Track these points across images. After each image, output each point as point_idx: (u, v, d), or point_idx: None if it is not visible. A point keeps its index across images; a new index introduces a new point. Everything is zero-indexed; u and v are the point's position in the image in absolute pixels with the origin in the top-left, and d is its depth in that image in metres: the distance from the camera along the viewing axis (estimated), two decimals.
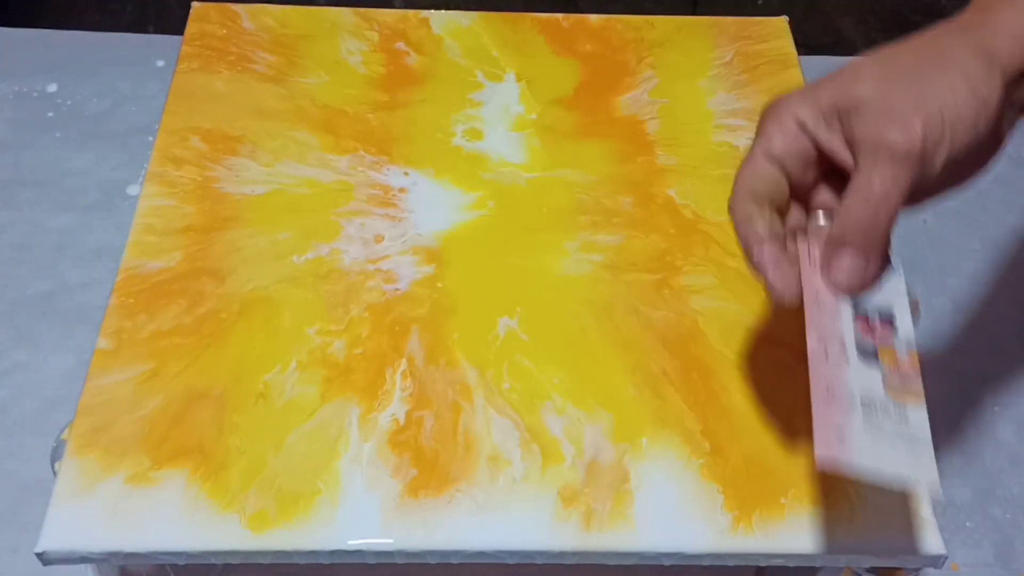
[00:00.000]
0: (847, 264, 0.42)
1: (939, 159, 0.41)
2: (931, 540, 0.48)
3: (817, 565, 0.48)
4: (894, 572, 0.49)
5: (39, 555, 0.46)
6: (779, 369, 0.53)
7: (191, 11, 0.70)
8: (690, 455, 0.50)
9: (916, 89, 0.41)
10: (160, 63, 0.88)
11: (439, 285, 0.56)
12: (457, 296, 0.56)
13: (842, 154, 0.43)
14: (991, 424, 0.69)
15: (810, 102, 0.44)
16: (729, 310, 0.56)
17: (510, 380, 0.52)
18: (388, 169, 0.62)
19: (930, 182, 0.42)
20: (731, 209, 0.44)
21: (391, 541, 0.47)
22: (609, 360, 0.53)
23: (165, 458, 0.49)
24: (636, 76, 0.68)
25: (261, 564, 0.47)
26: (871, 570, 0.49)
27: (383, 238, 0.58)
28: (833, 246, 0.42)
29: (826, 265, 0.43)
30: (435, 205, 0.60)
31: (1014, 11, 0.42)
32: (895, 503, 0.48)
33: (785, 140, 0.44)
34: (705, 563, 0.48)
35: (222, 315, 0.54)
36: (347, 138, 0.63)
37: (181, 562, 0.47)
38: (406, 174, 0.62)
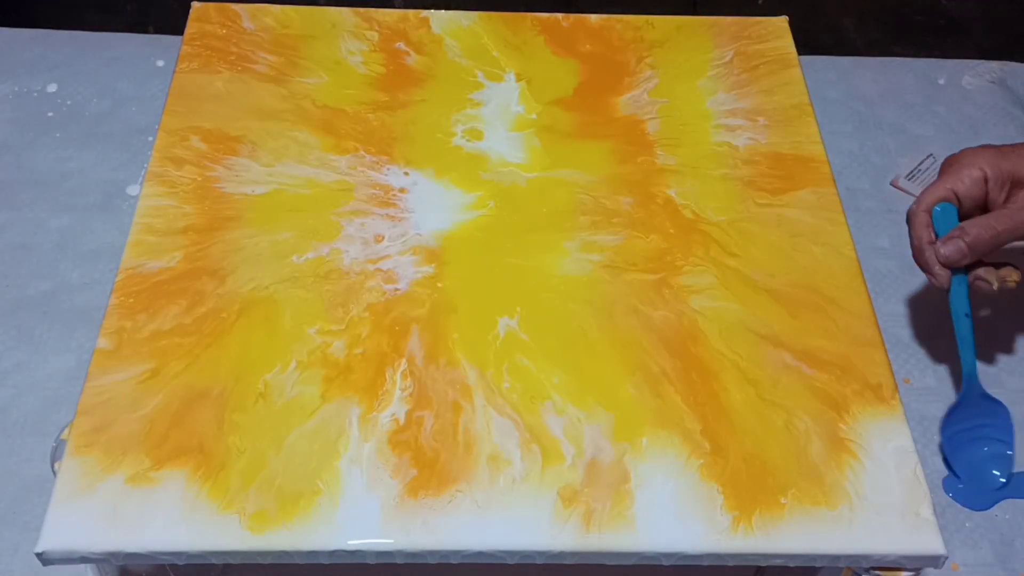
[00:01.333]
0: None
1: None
2: (931, 540, 0.48)
3: (817, 565, 0.48)
4: (894, 572, 0.49)
5: (39, 555, 0.46)
6: (779, 369, 0.53)
7: (191, 11, 0.70)
8: (690, 455, 0.50)
9: None
10: (160, 63, 0.88)
11: (439, 285, 0.56)
12: (457, 296, 0.56)
13: (998, 207, 0.62)
14: None
15: (995, 163, 0.62)
16: (729, 310, 0.56)
17: (510, 380, 0.52)
18: (388, 169, 0.62)
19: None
20: (910, 215, 0.64)
21: (391, 541, 0.47)
22: (609, 360, 0.53)
23: (165, 458, 0.49)
24: (636, 76, 0.68)
25: (261, 564, 0.47)
26: (871, 570, 0.49)
27: (383, 238, 0.58)
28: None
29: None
30: (435, 205, 0.60)
31: None
32: (895, 503, 0.48)
33: (968, 185, 0.62)
34: (705, 563, 0.48)
35: (222, 315, 0.54)
36: (347, 138, 0.63)
37: (181, 562, 0.47)
38: (406, 174, 0.62)
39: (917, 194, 0.81)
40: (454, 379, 0.52)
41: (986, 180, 0.62)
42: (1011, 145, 0.63)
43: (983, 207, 0.63)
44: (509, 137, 0.64)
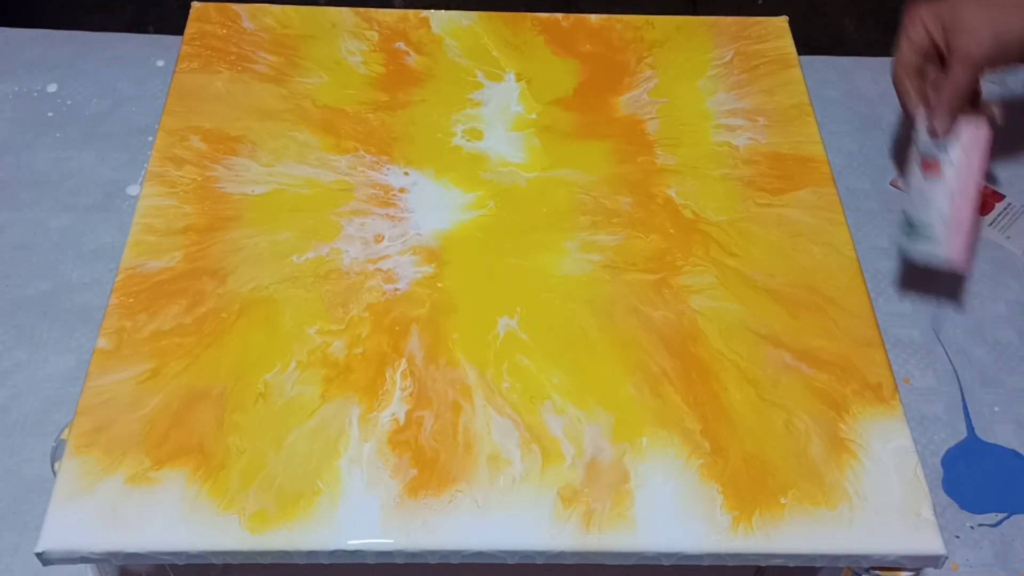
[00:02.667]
0: (940, 120, 0.67)
1: (989, 67, 0.67)
2: (931, 540, 0.48)
3: (817, 565, 0.48)
4: (894, 572, 0.49)
5: (39, 555, 0.46)
6: (779, 369, 0.53)
7: (191, 11, 0.70)
8: (690, 455, 0.50)
9: (995, 21, 0.66)
10: (160, 63, 0.88)
11: (439, 285, 0.56)
12: (457, 296, 0.56)
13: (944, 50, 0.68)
14: (991, 424, 0.69)
15: (928, 8, 0.68)
16: (729, 310, 0.56)
17: (510, 380, 0.52)
18: (388, 169, 0.62)
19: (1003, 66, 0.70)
20: (893, 79, 0.70)
21: (391, 541, 0.47)
22: (609, 360, 0.53)
23: (165, 458, 0.49)
24: (636, 76, 0.68)
25: (261, 564, 0.47)
26: (871, 570, 0.49)
27: (383, 238, 0.58)
28: (935, 110, 0.67)
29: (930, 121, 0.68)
30: (435, 205, 0.60)
31: None
32: (895, 503, 0.48)
33: (914, 30, 0.69)
34: (705, 563, 0.48)
35: (222, 315, 0.54)
36: (347, 138, 0.63)
37: (181, 562, 0.47)
38: (406, 174, 0.62)
39: None
40: (454, 379, 0.52)
41: (926, 27, 0.68)
42: None
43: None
44: (509, 137, 0.64)
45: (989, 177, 0.83)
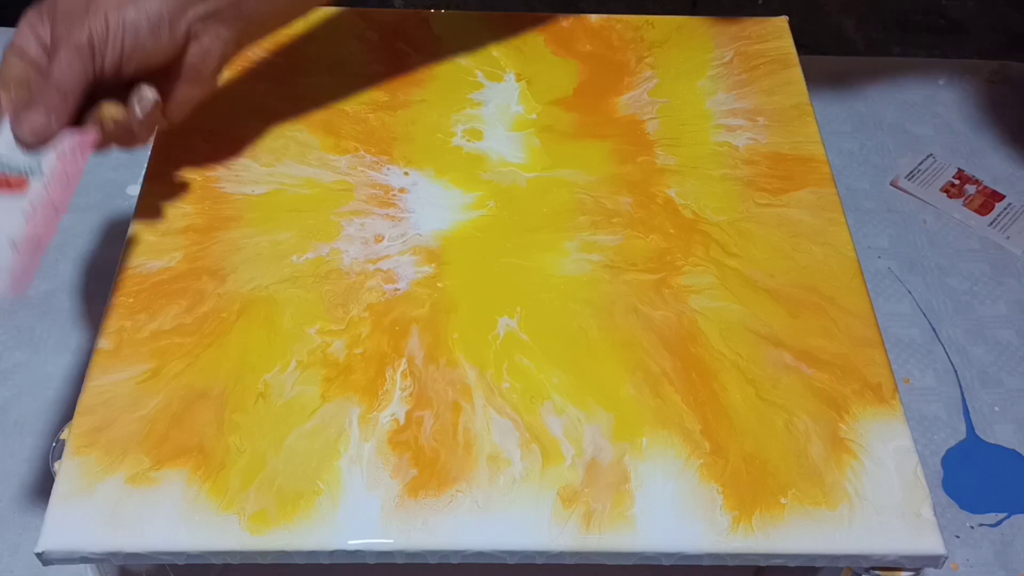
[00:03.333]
0: (33, 120, 0.51)
1: (110, 54, 0.51)
2: (931, 540, 0.48)
3: (817, 565, 0.48)
4: (894, 572, 0.49)
5: (39, 555, 0.46)
6: (779, 369, 0.53)
7: None
8: (690, 455, 0.50)
9: (94, 4, 0.51)
10: None
11: (439, 285, 0.56)
12: (457, 296, 0.56)
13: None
14: (991, 424, 0.69)
15: (33, 8, 0.53)
16: (729, 310, 0.56)
17: (510, 380, 0.52)
18: (388, 169, 0.62)
19: (119, 65, 0.52)
20: None
21: (391, 541, 0.47)
22: (609, 360, 0.53)
23: (165, 458, 0.49)
24: (636, 76, 0.68)
25: (261, 564, 0.47)
26: (871, 570, 0.49)
27: (383, 238, 0.58)
28: (23, 108, 0.51)
29: (14, 120, 0.51)
30: (435, 205, 0.60)
31: None
32: (895, 503, 0.48)
33: (18, 39, 0.53)
34: (705, 563, 0.48)
35: (222, 315, 0.54)
36: (347, 138, 0.63)
37: (181, 562, 0.47)
38: (406, 174, 0.62)
39: (917, 194, 0.82)
40: (454, 379, 0.52)
41: (32, 27, 0.53)
42: None
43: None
44: (509, 137, 0.64)
45: (989, 177, 0.83)
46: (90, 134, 0.52)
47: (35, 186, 0.51)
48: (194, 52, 0.54)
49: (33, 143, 0.51)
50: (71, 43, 0.50)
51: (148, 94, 0.53)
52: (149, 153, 0.61)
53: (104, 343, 0.53)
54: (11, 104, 0.51)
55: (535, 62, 0.69)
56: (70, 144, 0.52)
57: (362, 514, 0.47)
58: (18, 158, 0.51)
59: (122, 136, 0.54)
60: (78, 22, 0.50)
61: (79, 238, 0.76)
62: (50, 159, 0.51)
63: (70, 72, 0.50)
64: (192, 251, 0.57)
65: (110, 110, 0.52)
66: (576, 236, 0.59)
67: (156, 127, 0.56)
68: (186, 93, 0.55)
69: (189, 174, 0.61)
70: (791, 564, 0.48)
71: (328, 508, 0.47)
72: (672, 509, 0.48)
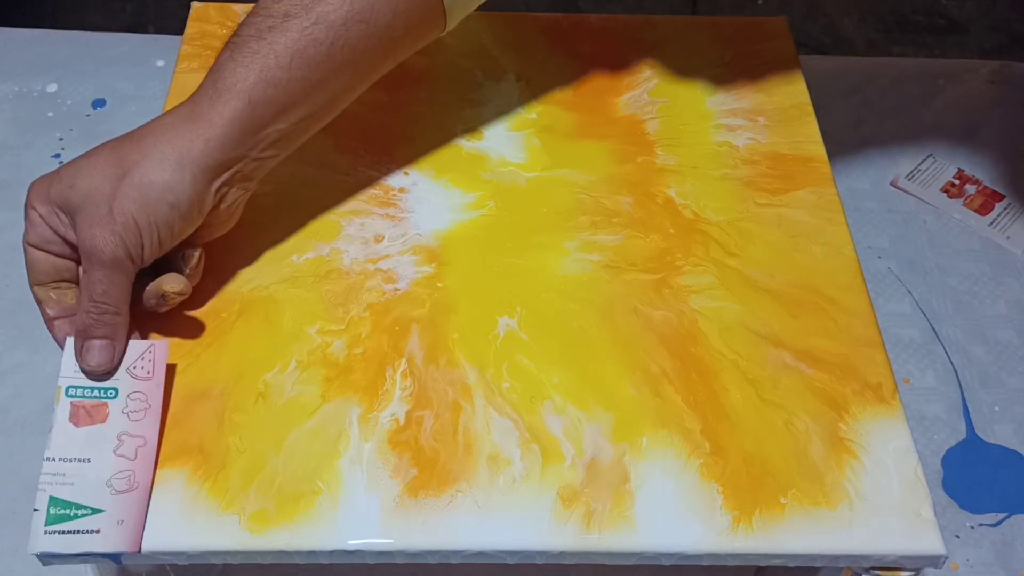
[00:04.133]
0: (95, 349, 0.49)
1: (147, 253, 0.49)
2: (931, 540, 0.48)
3: (817, 565, 0.48)
4: (894, 572, 0.49)
5: (39, 555, 0.46)
6: (779, 369, 0.53)
7: (191, 11, 0.70)
8: (690, 455, 0.50)
9: (117, 203, 0.48)
10: (160, 63, 0.88)
11: (439, 285, 0.56)
12: (457, 296, 0.56)
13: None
14: (991, 424, 0.69)
15: (43, 196, 0.49)
16: (729, 310, 0.56)
17: (510, 380, 0.52)
18: (388, 169, 0.62)
19: (156, 256, 0.50)
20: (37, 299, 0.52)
21: (391, 541, 0.47)
22: (609, 360, 0.53)
23: (165, 458, 0.49)
24: (636, 76, 0.68)
25: (261, 564, 0.47)
26: (871, 570, 0.49)
27: (383, 238, 0.58)
28: (80, 338, 0.49)
29: (79, 354, 0.49)
30: (435, 205, 0.60)
31: (209, 119, 0.50)
32: (895, 503, 0.48)
33: (35, 230, 0.50)
34: (705, 563, 0.48)
35: (222, 315, 0.54)
36: (347, 138, 0.63)
37: (181, 562, 0.47)
38: (406, 174, 0.62)
39: (917, 194, 0.82)
40: (454, 379, 0.52)
41: (44, 218, 0.50)
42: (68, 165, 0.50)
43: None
44: (509, 137, 0.64)
45: (989, 177, 0.83)
46: (161, 344, 0.50)
47: (115, 414, 0.48)
48: (222, 212, 0.52)
49: (102, 375, 0.49)
50: (106, 261, 0.48)
51: (194, 253, 0.52)
52: None
53: None
54: (56, 309, 0.51)
55: (535, 62, 0.69)
56: (143, 361, 0.49)
57: (362, 514, 0.47)
58: (91, 383, 0.48)
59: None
60: (104, 231, 0.47)
61: None
62: (124, 380, 0.48)
63: (115, 290, 0.48)
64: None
65: (172, 286, 0.50)
66: (576, 236, 0.59)
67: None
68: (214, 236, 0.54)
69: None
70: (791, 564, 0.48)
71: (328, 508, 0.47)
72: (672, 509, 0.48)
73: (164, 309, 0.51)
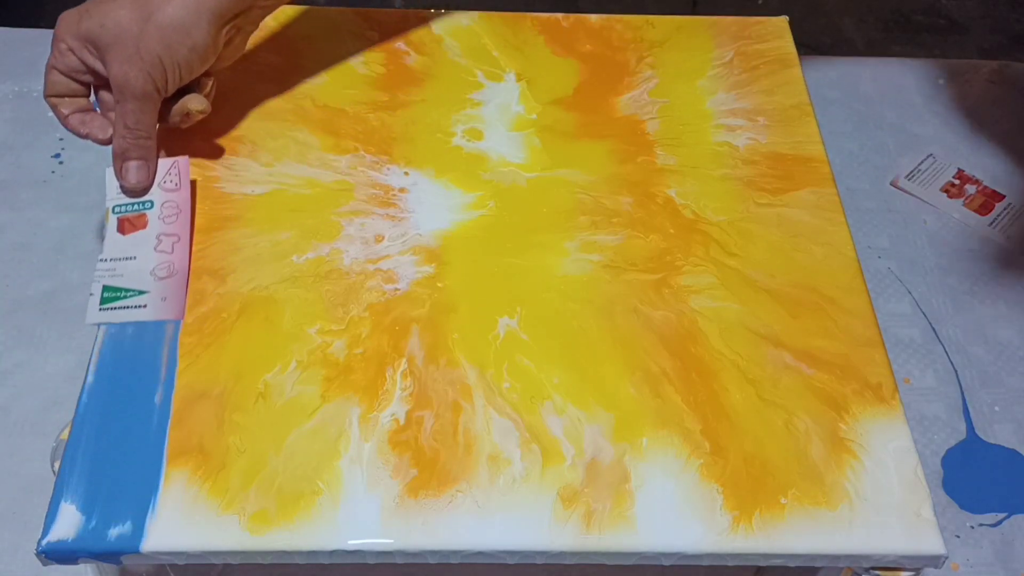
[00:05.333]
0: (134, 175, 0.57)
1: (171, 86, 0.57)
2: (931, 540, 0.48)
3: (817, 565, 0.48)
4: (894, 572, 0.49)
5: (39, 555, 0.46)
6: (779, 369, 0.53)
7: None
8: (690, 455, 0.50)
9: (144, 44, 0.54)
10: None
11: (439, 285, 0.56)
12: (457, 296, 0.56)
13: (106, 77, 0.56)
14: (991, 424, 0.69)
15: (73, 30, 0.56)
16: (729, 310, 0.56)
17: (510, 380, 0.52)
18: (388, 169, 0.62)
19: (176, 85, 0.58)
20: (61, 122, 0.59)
21: (391, 541, 0.47)
22: (609, 360, 0.53)
23: (165, 458, 0.49)
24: (636, 76, 0.68)
25: (261, 564, 0.47)
26: (871, 570, 0.49)
27: (383, 238, 0.58)
28: (119, 161, 0.57)
29: (120, 175, 0.58)
30: (435, 205, 0.60)
31: None
32: (895, 503, 0.49)
33: (63, 59, 0.57)
34: (705, 563, 0.48)
35: (222, 315, 0.54)
36: (347, 138, 0.63)
37: (181, 562, 0.47)
38: (406, 174, 0.62)
39: (917, 194, 0.82)
40: (454, 379, 0.52)
41: (73, 50, 0.56)
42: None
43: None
44: (509, 137, 0.64)
45: (989, 177, 0.83)
46: (183, 160, 0.58)
47: (152, 220, 0.57)
48: (228, 52, 0.60)
49: (141, 191, 0.58)
50: (137, 94, 0.55)
51: (208, 81, 0.60)
52: None
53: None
54: (70, 109, 0.58)
55: (535, 62, 0.69)
56: (170, 175, 0.58)
57: (362, 514, 0.47)
58: (131, 199, 0.58)
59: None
60: (134, 68, 0.55)
61: (79, 238, 0.76)
62: (157, 194, 0.58)
63: (146, 118, 0.56)
64: (192, 251, 0.57)
65: (195, 105, 0.58)
66: (576, 236, 0.59)
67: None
68: (221, 66, 0.61)
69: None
70: (791, 564, 0.48)
71: (328, 508, 0.47)
72: (672, 509, 0.48)
73: (186, 126, 0.59)
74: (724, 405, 0.52)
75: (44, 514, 0.47)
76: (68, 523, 0.47)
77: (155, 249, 0.56)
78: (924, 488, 0.49)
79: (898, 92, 0.89)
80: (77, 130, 0.59)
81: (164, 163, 0.58)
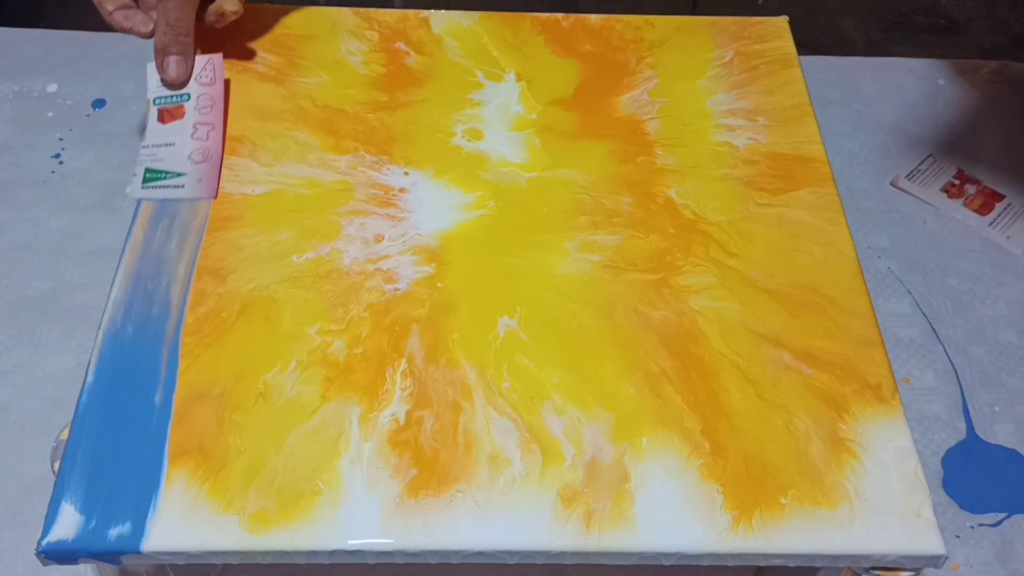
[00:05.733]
0: (174, 68, 0.63)
1: None
2: (931, 540, 0.48)
3: (817, 565, 0.48)
4: (894, 572, 0.49)
5: (39, 555, 0.46)
6: (779, 369, 0.53)
7: None
8: (690, 455, 0.50)
9: None
10: None
11: (439, 285, 0.56)
12: (457, 296, 0.56)
13: None
14: (991, 424, 0.69)
15: None
16: (729, 310, 0.56)
17: (510, 380, 0.52)
18: (388, 169, 0.62)
19: None
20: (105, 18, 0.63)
21: (391, 541, 0.47)
22: (609, 360, 0.53)
23: (165, 458, 0.49)
24: (636, 76, 0.68)
25: (261, 564, 0.47)
26: (871, 570, 0.49)
27: (383, 238, 0.58)
28: (160, 55, 0.63)
29: (161, 68, 0.63)
30: (435, 205, 0.60)
31: None
32: (895, 503, 0.49)
33: None
34: (705, 563, 0.48)
35: (222, 315, 0.54)
36: (347, 138, 0.63)
37: (181, 562, 0.47)
38: (406, 174, 0.62)
39: (917, 194, 0.82)
40: (454, 379, 0.52)
41: None
42: None
43: None
44: (509, 137, 0.64)
45: (989, 177, 0.83)
46: (217, 56, 0.64)
47: (189, 111, 0.62)
48: None
49: (179, 84, 0.63)
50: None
51: None
52: None
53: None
54: (115, 5, 0.63)
55: (535, 62, 0.69)
56: (206, 71, 0.63)
57: (362, 514, 0.47)
58: (170, 91, 0.63)
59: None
60: None
61: (79, 238, 0.76)
62: (194, 87, 0.63)
63: (186, 16, 0.62)
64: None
65: (230, 6, 0.64)
66: (576, 236, 0.59)
67: None
68: None
69: None
70: (791, 564, 0.48)
71: (328, 508, 0.47)
72: (672, 509, 0.48)
73: (220, 26, 0.64)
74: (724, 405, 0.52)
75: (44, 514, 0.47)
76: (68, 523, 0.47)
77: (192, 136, 0.61)
78: (924, 488, 0.49)
79: (898, 92, 0.89)
80: (121, 25, 0.63)
81: (200, 59, 0.63)
